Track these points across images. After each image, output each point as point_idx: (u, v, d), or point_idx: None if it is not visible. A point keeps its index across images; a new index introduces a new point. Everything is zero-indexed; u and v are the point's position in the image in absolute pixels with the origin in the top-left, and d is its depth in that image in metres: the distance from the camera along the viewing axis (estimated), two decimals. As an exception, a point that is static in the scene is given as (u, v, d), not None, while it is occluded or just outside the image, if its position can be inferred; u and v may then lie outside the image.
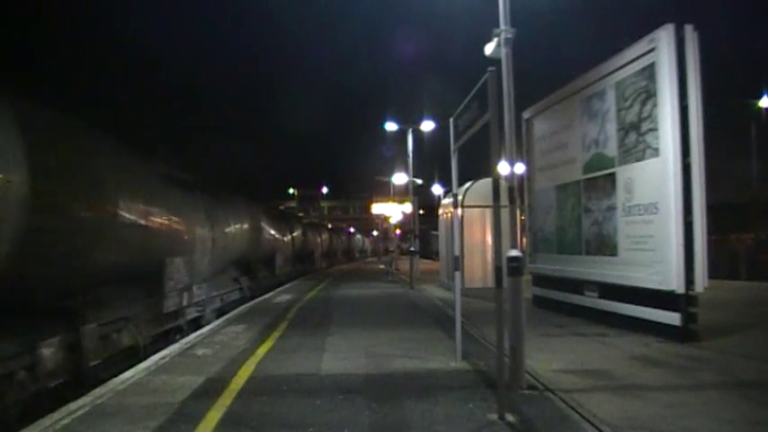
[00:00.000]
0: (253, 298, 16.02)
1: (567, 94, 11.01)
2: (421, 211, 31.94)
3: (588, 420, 4.87)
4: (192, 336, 9.65)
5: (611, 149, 9.52)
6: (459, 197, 13.86)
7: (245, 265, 16.71)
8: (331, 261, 40.68)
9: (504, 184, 6.02)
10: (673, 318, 8.04)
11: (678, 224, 7.94)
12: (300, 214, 58.24)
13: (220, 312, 13.02)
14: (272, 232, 20.38)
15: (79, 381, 6.83)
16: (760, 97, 24.74)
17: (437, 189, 39.12)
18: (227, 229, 14.01)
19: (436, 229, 29.49)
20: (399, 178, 29.94)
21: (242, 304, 14.48)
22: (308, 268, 29.76)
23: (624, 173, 9.18)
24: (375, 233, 70.32)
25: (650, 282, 8.36)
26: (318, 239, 34.81)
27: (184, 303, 10.54)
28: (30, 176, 5.57)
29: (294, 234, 25.54)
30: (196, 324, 11.25)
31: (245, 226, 15.79)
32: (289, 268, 23.83)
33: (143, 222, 8.59)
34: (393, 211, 41.85)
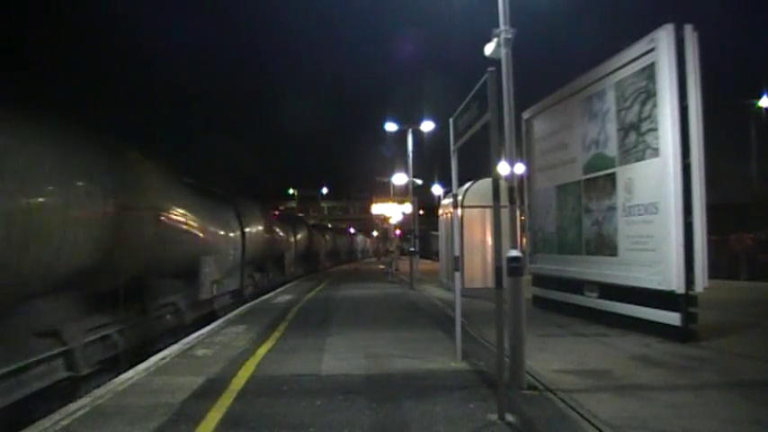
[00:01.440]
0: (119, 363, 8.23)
1: (567, 95, 11.01)
2: (421, 212, 31.91)
3: (588, 420, 4.87)
4: (192, 336, 9.63)
5: (612, 149, 9.51)
6: (459, 197, 13.87)
7: (115, 292, 8.43)
8: (309, 265, 32.53)
9: (504, 185, 6.01)
10: (673, 318, 8.04)
11: (678, 224, 7.94)
12: (301, 215, 57.97)
13: None
14: (199, 224, 12.16)
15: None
16: (760, 97, 24.75)
17: (437, 189, 39.12)
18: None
19: (436, 230, 29.48)
20: (399, 178, 29.94)
21: (75, 397, 6.28)
22: (274, 279, 21.88)
23: (624, 173, 9.18)
24: (375, 233, 70.32)
25: (650, 282, 8.36)
26: (292, 239, 26.64)
27: None
28: None
29: (250, 230, 17.02)
30: None
31: (107, 208, 7.76)
32: (236, 283, 15.65)
33: None
34: (393, 212, 41.84)
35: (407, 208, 29.63)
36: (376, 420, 4.99)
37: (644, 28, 8.60)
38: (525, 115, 12.55)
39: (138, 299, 9.36)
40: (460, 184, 14.47)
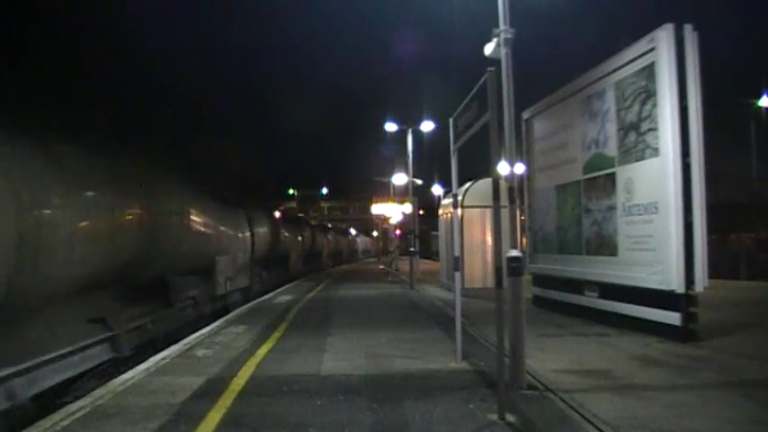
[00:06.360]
0: None
1: (567, 94, 11.01)
2: (421, 212, 31.87)
3: (588, 420, 4.87)
4: (192, 337, 9.64)
5: (611, 149, 9.51)
6: (459, 197, 13.85)
7: (146, 287, 9.89)
8: (312, 265, 32.47)
9: (504, 184, 6.02)
10: (673, 317, 8.03)
11: (678, 224, 7.93)
12: (301, 215, 57.88)
13: None
14: (214, 228, 13.44)
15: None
16: (760, 97, 24.75)
17: (437, 189, 39.09)
18: None
19: (436, 230, 29.47)
20: (399, 179, 29.89)
21: None
22: (280, 277, 22.42)
23: (624, 173, 9.18)
24: (375, 233, 70.32)
25: (650, 281, 8.35)
26: (297, 240, 26.86)
27: None
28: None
29: (258, 232, 17.68)
30: None
31: (142, 215, 9.01)
32: (246, 281, 16.28)
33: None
34: (393, 212, 41.81)
35: (407, 208, 29.58)
36: (376, 420, 4.99)
37: (644, 28, 8.60)
38: (525, 115, 12.55)
39: (165, 294, 10.52)
40: (460, 184, 14.46)
